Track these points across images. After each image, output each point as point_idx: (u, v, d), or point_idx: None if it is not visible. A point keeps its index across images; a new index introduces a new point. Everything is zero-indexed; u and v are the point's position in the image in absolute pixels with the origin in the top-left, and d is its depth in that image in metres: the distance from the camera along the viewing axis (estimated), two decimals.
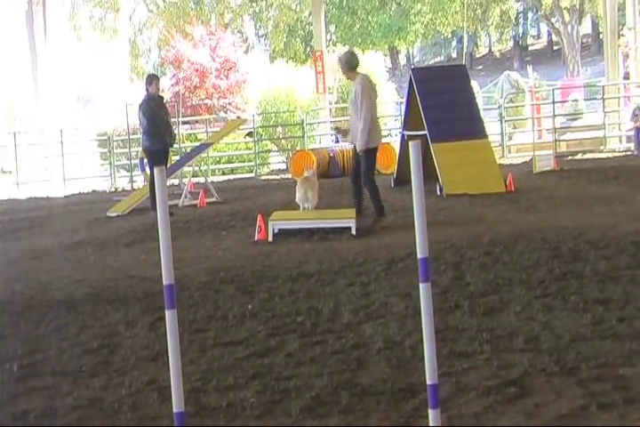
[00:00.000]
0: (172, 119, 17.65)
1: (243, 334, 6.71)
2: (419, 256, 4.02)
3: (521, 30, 70.60)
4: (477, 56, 74.09)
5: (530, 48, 73.61)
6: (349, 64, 12.92)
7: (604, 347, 5.66)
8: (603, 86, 28.52)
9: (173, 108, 23.94)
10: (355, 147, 12.87)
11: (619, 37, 30.65)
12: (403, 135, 17.60)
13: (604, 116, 26.77)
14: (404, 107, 18.32)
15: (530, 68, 43.22)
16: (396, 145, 19.94)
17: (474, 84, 24.17)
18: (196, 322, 7.17)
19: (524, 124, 30.04)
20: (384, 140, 21.73)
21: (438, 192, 15.22)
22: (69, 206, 18.93)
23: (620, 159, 21.36)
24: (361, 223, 11.84)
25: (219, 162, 27.46)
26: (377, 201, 12.68)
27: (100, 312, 7.78)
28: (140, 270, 9.82)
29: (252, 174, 25.90)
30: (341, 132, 14.63)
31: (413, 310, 6.83)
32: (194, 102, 31.33)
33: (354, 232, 11.40)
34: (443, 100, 16.02)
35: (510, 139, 27.53)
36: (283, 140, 28.88)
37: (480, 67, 70.39)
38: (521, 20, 69.80)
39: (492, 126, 24.69)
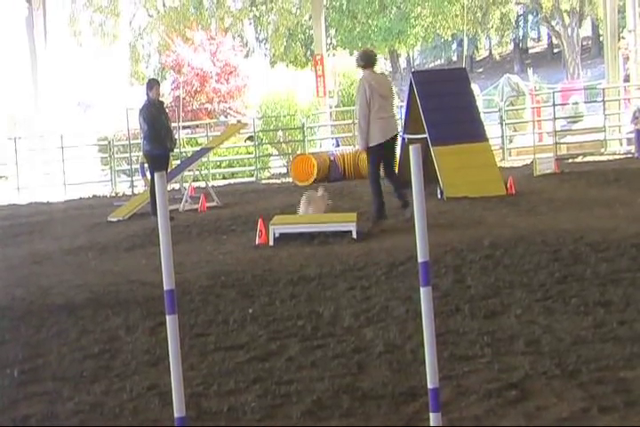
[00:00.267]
0: (173, 124, 17.65)
1: (243, 338, 6.71)
2: (419, 260, 4.02)
3: (521, 33, 70.66)
4: (478, 59, 74.13)
5: (530, 51, 73.66)
6: (357, 62, 13.21)
7: (605, 350, 5.66)
8: (603, 89, 28.53)
9: (174, 113, 23.97)
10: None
11: (619, 40, 30.65)
12: (403, 138, 17.59)
13: (605, 118, 26.77)
14: (404, 110, 18.31)
15: (530, 71, 43.23)
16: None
17: (474, 86, 24.16)
18: (197, 326, 7.17)
19: (524, 127, 30.03)
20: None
21: (439, 195, 15.23)
22: (70, 211, 18.93)
23: (621, 162, 21.36)
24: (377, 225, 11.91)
25: (219, 166, 27.46)
26: (375, 203, 12.70)
27: (100, 317, 7.78)
28: (140, 275, 9.82)
29: (253, 178, 25.91)
30: None
31: (414, 313, 6.83)
32: (194, 107, 31.37)
33: (354, 236, 11.40)
34: (443, 104, 16.02)
35: (511, 142, 27.53)
36: (283, 144, 28.89)
37: (480, 70, 70.44)
38: (521, 23, 69.86)
39: (492, 129, 24.69)
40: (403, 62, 73.85)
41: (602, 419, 4.52)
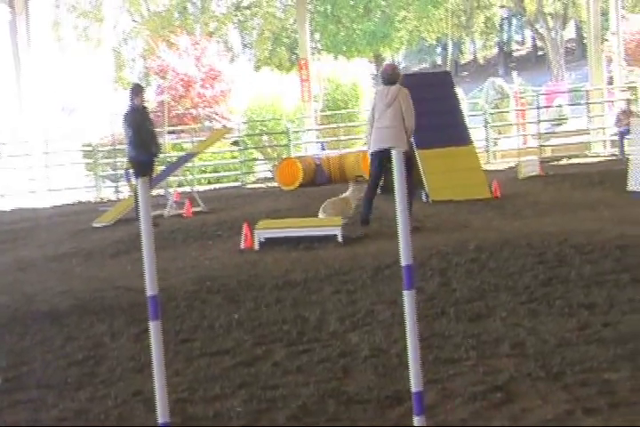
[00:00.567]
0: (157, 129, 17.63)
1: (229, 343, 6.70)
2: (402, 263, 4.02)
3: (505, 36, 70.87)
4: (462, 62, 74.28)
5: (514, 54, 73.88)
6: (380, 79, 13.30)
7: (590, 352, 5.67)
8: (587, 91, 28.63)
9: (158, 118, 23.93)
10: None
11: (602, 42, 30.77)
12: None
13: (589, 120, 26.86)
14: None
15: (514, 74, 43.34)
16: None
17: (459, 90, 24.24)
18: (183, 332, 7.15)
19: (509, 130, 30.13)
20: (365, 148, 21.76)
21: (424, 199, 15.25)
22: (54, 217, 18.89)
23: (605, 164, 21.43)
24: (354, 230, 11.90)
25: (204, 171, 27.45)
26: (363, 207, 12.72)
27: (85, 324, 7.75)
28: (125, 281, 9.80)
29: (238, 183, 25.89)
30: None
31: (399, 317, 6.82)
32: (179, 112, 31.33)
33: (340, 240, 11.41)
34: (427, 107, 16.00)
35: (495, 145, 27.61)
36: (268, 149, 28.89)
37: (465, 73, 70.60)
38: (505, 27, 70.08)
39: (477, 132, 24.75)
40: None
41: (586, 421, 4.52)
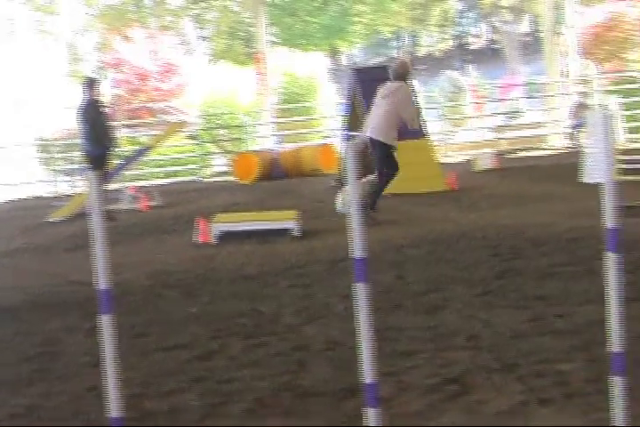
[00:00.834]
0: (113, 123, 17.51)
1: (185, 337, 6.67)
2: (355, 257, 4.02)
3: (462, 30, 71.10)
4: (419, 55, 74.43)
5: (470, 47, 74.12)
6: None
7: (544, 343, 5.70)
8: (542, 84, 28.81)
9: (114, 112, 23.77)
10: None
11: (557, 36, 30.96)
12: (344, 136, 17.63)
13: (544, 113, 27.02)
14: (345, 107, 18.33)
15: (470, 67, 43.50)
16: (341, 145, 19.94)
17: (415, 83, 24.27)
18: (138, 326, 7.10)
19: (464, 123, 30.24)
20: (325, 141, 21.81)
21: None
22: (8, 212, 18.72)
23: (560, 157, 21.58)
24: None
25: (161, 165, 27.31)
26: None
27: (39, 319, 7.68)
28: (80, 276, 9.69)
29: (195, 177, 25.80)
30: None
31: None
32: (135, 106, 31.15)
33: (296, 233, 11.40)
34: None
35: (452, 138, 27.71)
36: (225, 143, 28.81)
37: (421, 66, 70.75)
38: (461, 20, 70.29)
39: (433, 125, 24.83)
40: (344, 59, 73.99)
41: (540, 411, 4.55)
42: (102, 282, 3.98)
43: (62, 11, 49.60)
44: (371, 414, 3.90)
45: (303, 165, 21.27)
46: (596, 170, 14.33)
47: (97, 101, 15.69)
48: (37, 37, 48.60)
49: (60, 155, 26.82)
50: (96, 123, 15.24)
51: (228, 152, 27.32)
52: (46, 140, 26.68)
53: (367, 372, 3.89)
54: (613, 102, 23.89)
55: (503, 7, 54.22)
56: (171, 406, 5.11)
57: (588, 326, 5.94)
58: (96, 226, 3.93)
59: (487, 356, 5.54)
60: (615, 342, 3.81)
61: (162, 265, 10.06)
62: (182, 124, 23.34)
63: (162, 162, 27.18)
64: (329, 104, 30.95)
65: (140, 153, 18.79)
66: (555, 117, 28.05)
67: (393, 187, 15.16)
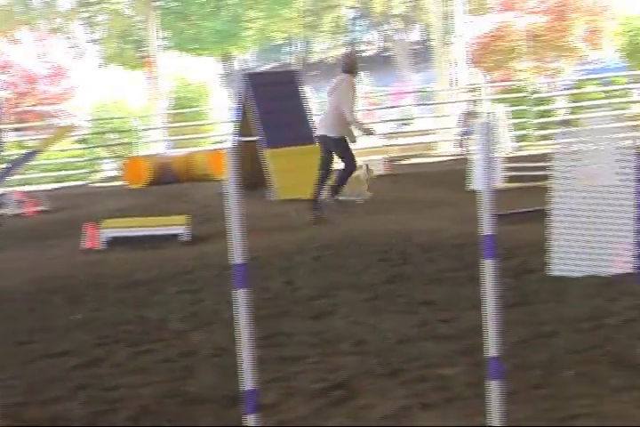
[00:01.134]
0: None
1: (69, 344, 6.57)
2: (234, 262, 4.03)
3: (353, 37, 71.60)
4: (312, 62, 74.73)
5: (363, 54, 74.72)
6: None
7: (428, 348, 5.78)
8: (432, 92, 29.19)
9: (1, 115, 23.31)
10: None
11: (447, 45, 31.39)
12: (236, 141, 17.59)
13: (434, 121, 27.37)
14: (237, 112, 18.28)
15: (362, 74, 43.83)
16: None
17: (308, 89, 24.39)
18: (21, 334, 6.97)
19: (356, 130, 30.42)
20: (217, 147, 21.73)
21: (270, 197, 15.29)
22: None
23: (449, 163, 21.86)
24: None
25: (49, 170, 26.84)
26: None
27: None
28: None
29: (84, 182, 25.44)
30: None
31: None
32: (23, 109, 30.57)
33: (185, 239, 11.34)
34: (275, 106, 16.09)
35: None
36: (115, 147, 28.48)
37: (314, 72, 71.04)
38: (353, 27, 70.78)
39: None
40: (237, 65, 73.84)
41: (423, 416, 4.61)
42: None
43: None
44: (251, 421, 3.91)
45: (194, 170, 21.15)
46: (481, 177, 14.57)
47: None
48: None
49: None
50: None
51: (119, 157, 27.02)
52: None
53: (247, 379, 3.90)
54: (501, 111, 24.31)
55: (394, 16, 54.80)
56: (53, 415, 5.03)
57: (471, 332, 6.03)
58: None
59: (373, 361, 5.59)
60: (492, 347, 3.88)
61: (47, 271, 9.88)
62: (71, 127, 23.00)
63: (50, 166, 26.72)
64: (221, 109, 30.86)
65: (28, 157, 18.44)
66: (444, 125, 28.42)
67: (282, 192, 15.23)
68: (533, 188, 13.24)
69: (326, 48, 71.95)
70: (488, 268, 3.95)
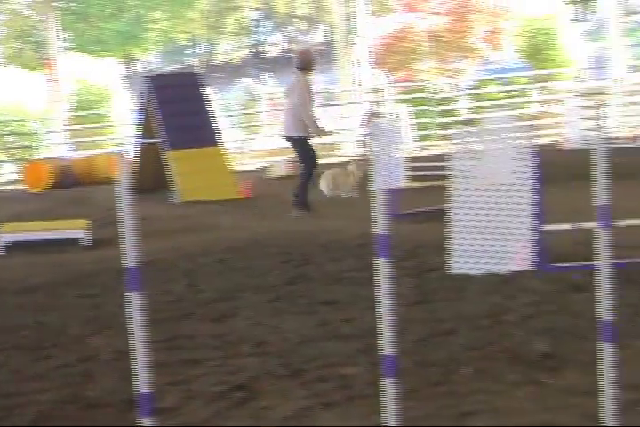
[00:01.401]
0: None
1: None
2: (128, 266, 4.00)
3: (258, 38, 71.56)
4: (215, 63, 74.45)
5: (267, 55, 74.69)
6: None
7: (329, 347, 5.80)
8: (336, 93, 29.32)
9: None
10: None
11: (350, 46, 31.57)
12: (139, 143, 17.46)
13: (338, 121, 27.50)
14: (139, 115, 18.13)
15: (266, 76, 43.86)
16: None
17: (211, 91, 24.29)
18: None
19: (260, 131, 30.44)
20: (120, 149, 21.53)
21: (173, 200, 15.21)
22: None
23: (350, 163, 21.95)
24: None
25: None
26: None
27: None
28: None
29: None
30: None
31: (146, 319, 6.76)
32: None
33: (86, 243, 11.21)
34: (177, 108, 16.02)
35: (247, 145, 27.84)
36: (15, 150, 28.02)
37: (218, 74, 70.79)
38: (257, 28, 70.74)
39: (228, 133, 24.89)
40: (140, 66, 73.24)
41: (323, 415, 4.63)
42: None
43: None
44: (146, 424, 3.88)
45: (96, 173, 20.90)
46: (381, 177, 14.71)
47: None
48: None
49: None
50: None
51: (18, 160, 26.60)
52: None
53: (142, 382, 3.87)
54: (403, 111, 24.56)
55: (298, 17, 54.93)
56: None
57: (372, 330, 6.05)
58: None
59: (274, 362, 5.59)
60: (386, 345, 3.91)
61: None
62: None
63: None
64: (123, 112, 30.57)
65: None
66: (347, 126, 28.57)
67: (186, 194, 15.17)
68: (435, 187, 13.37)
69: (230, 49, 71.81)
70: (383, 267, 3.99)
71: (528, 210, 7.61)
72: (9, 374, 5.80)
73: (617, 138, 22.10)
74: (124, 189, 3.69)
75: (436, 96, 27.28)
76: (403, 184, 14.49)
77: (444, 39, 29.81)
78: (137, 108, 18.20)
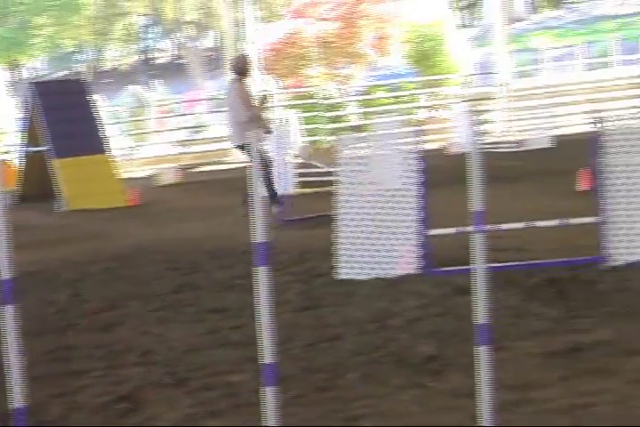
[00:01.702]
0: None
1: None
2: (2, 278, 3.89)
3: (146, 44, 70.98)
4: (104, 69, 73.59)
5: (156, 62, 74.09)
6: None
7: (216, 355, 5.76)
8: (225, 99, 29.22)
9: None
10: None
11: (239, 51, 31.55)
12: (23, 151, 17.16)
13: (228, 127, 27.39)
14: (23, 122, 17.79)
15: (156, 82, 43.53)
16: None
17: (98, 98, 24.01)
18: None
19: (148, 138, 30.20)
20: (4, 157, 21.13)
21: (59, 208, 14.97)
22: None
23: (242, 170, 21.89)
24: None
25: None
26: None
27: None
28: None
29: None
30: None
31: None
32: None
33: None
34: (63, 116, 15.79)
35: (135, 153, 27.58)
36: None
37: (106, 80, 69.98)
38: (145, 34, 70.17)
39: (116, 141, 24.61)
40: (26, 73, 72.01)
41: (209, 423, 4.59)
42: None
43: None
44: None
45: None
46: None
47: None
48: None
49: None
50: None
51: None
52: None
53: (17, 396, 3.79)
54: (293, 117, 24.61)
55: (187, 23, 54.65)
56: None
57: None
58: None
59: (160, 371, 5.53)
60: (267, 354, 3.91)
61: None
62: None
63: None
64: (7, 119, 29.99)
65: None
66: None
67: (72, 203, 14.94)
68: (325, 193, 13.43)
69: (118, 56, 71.05)
70: (261, 275, 3.99)
71: (413, 214, 7.68)
72: None
73: (503, 142, 22.51)
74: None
75: (326, 102, 27.41)
76: (292, 190, 14.54)
77: (332, 45, 30.00)
78: (22, 115, 17.86)
